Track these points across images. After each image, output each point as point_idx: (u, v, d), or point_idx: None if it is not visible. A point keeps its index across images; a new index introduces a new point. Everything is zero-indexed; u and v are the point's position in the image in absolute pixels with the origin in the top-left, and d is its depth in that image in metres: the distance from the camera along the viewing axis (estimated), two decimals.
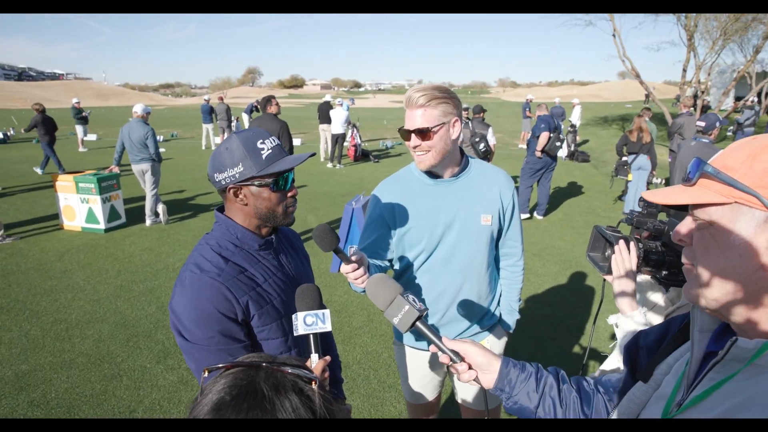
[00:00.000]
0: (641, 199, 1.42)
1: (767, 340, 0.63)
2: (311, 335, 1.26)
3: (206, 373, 0.68)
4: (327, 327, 1.27)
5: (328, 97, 13.66)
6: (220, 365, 0.67)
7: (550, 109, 16.32)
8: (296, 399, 0.62)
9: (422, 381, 2.12)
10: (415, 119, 1.73)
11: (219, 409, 0.61)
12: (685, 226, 0.74)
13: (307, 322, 1.26)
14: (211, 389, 0.63)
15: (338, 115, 12.50)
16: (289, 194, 1.40)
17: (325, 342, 1.65)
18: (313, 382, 0.65)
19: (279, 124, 6.05)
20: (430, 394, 2.16)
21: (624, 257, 1.31)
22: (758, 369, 0.64)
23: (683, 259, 0.75)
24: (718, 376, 0.68)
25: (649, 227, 1.38)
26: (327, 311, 1.29)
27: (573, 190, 10.40)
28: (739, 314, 0.68)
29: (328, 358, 1.28)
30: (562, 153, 15.05)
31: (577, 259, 6.01)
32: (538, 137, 7.49)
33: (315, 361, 1.26)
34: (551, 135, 7.38)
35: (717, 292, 0.69)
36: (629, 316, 1.32)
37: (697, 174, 0.71)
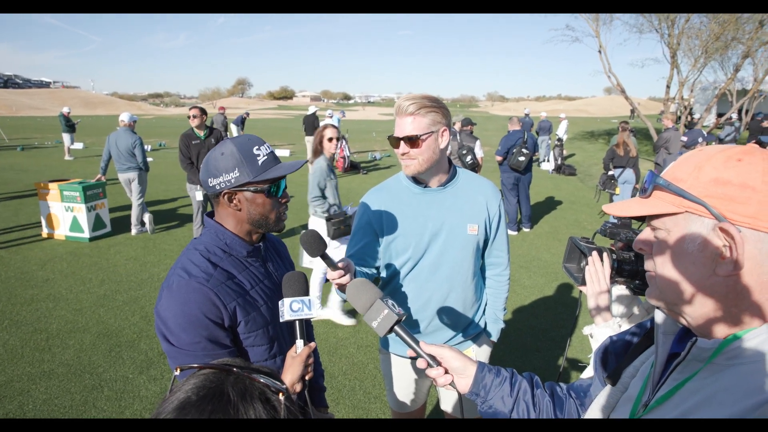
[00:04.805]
0: None
1: (723, 340, 0.67)
2: (297, 321, 1.29)
3: (178, 371, 0.69)
4: (312, 313, 1.30)
5: (312, 109, 13.52)
6: (194, 365, 0.68)
7: (538, 123, 16.55)
8: (260, 408, 0.63)
9: (407, 389, 2.12)
10: (405, 127, 1.76)
11: (183, 408, 0.62)
12: (645, 235, 0.78)
13: (293, 308, 1.29)
14: (181, 388, 0.64)
15: None
16: (282, 200, 1.41)
17: (310, 338, 1.66)
18: (281, 393, 0.66)
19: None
20: (415, 403, 2.15)
21: (597, 268, 1.33)
22: (716, 367, 0.67)
23: (645, 267, 0.78)
24: (681, 376, 0.71)
25: (623, 238, 1.40)
26: (313, 298, 1.31)
27: (559, 203, 10.50)
28: (696, 318, 0.71)
29: (313, 344, 1.31)
30: (549, 167, 15.21)
31: (563, 271, 6.05)
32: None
33: (300, 347, 1.29)
34: (514, 151, 7.50)
35: (675, 297, 0.72)
36: (603, 327, 1.34)
37: (651, 186, 0.75)
